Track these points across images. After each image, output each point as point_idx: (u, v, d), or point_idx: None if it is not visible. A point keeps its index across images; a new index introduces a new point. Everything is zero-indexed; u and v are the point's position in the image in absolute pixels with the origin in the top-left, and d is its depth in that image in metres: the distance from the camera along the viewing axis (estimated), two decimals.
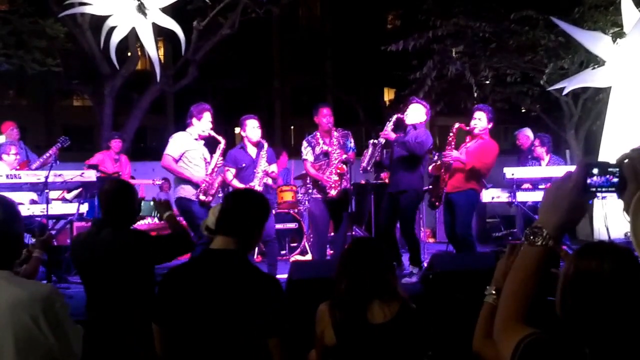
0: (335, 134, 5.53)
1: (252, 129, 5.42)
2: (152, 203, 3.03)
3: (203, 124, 5.18)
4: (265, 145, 5.43)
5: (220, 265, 2.07)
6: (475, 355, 1.57)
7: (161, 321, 2.10)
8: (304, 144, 5.64)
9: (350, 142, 5.57)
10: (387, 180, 6.21)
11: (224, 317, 2.00)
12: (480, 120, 5.43)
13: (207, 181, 5.12)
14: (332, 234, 6.02)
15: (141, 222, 6.35)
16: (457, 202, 5.35)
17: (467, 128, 5.52)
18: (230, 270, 2.06)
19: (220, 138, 5.28)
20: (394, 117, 5.47)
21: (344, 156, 5.50)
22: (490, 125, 5.48)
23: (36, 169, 6.29)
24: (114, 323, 2.76)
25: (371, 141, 5.52)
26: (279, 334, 2.01)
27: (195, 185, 5.12)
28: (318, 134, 5.56)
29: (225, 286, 2.03)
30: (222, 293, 2.02)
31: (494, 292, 1.58)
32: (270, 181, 5.53)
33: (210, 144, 5.42)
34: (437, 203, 5.58)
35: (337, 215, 5.59)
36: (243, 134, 5.54)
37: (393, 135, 5.37)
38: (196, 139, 5.23)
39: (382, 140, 5.42)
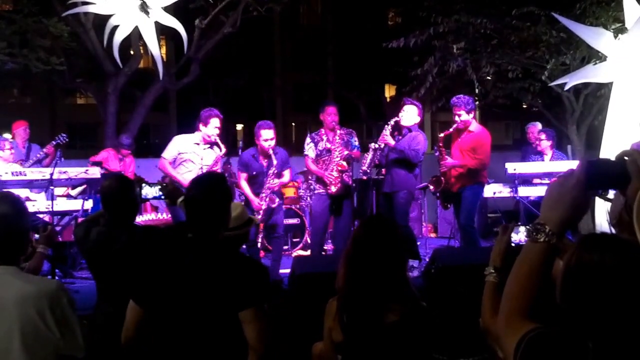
0: (339, 131, 5.63)
1: (264, 141, 5.31)
2: (158, 189, 3.02)
3: (209, 129, 5.22)
4: (275, 161, 5.34)
5: (197, 249, 2.14)
6: (484, 332, 1.66)
7: (143, 301, 2.16)
8: (308, 140, 5.74)
9: (355, 141, 5.69)
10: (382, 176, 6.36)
11: (200, 297, 2.06)
12: (461, 115, 5.58)
13: None
14: (331, 230, 6.11)
15: (144, 217, 6.40)
16: (463, 195, 5.61)
17: (451, 130, 5.71)
18: (207, 254, 2.13)
19: (222, 146, 5.27)
20: (392, 121, 5.65)
21: (345, 152, 5.61)
22: (471, 115, 5.64)
23: (30, 166, 6.35)
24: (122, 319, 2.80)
25: (372, 145, 5.68)
26: (252, 304, 2.05)
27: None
28: (323, 130, 5.68)
29: (201, 269, 2.10)
30: (199, 276, 2.08)
31: (492, 270, 1.71)
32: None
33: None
34: (448, 205, 5.93)
35: (338, 210, 5.68)
36: (257, 142, 5.43)
37: (392, 142, 5.59)
38: (197, 143, 5.25)
39: (382, 145, 5.61)
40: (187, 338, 2.09)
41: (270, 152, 5.32)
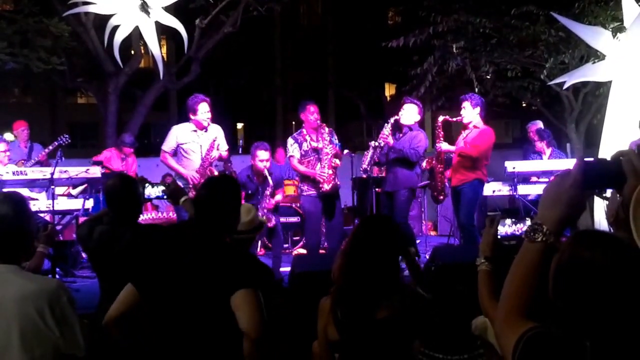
0: (326, 129, 5.65)
1: (260, 161, 5.51)
2: (161, 189, 3.05)
3: (200, 115, 5.26)
4: (271, 182, 5.54)
5: (199, 248, 2.16)
6: (485, 315, 1.73)
7: (141, 286, 2.19)
8: (290, 140, 5.67)
9: (335, 139, 5.72)
10: (383, 174, 6.37)
11: (191, 282, 2.08)
12: (465, 109, 5.64)
13: (195, 178, 5.09)
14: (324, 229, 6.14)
15: (145, 216, 6.43)
16: (462, 192, 5.61)
17: (453, 120, 5.81)
18: (209, 252, 2.14)
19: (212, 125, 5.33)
20: (392, 120, 5.69)
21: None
22: (477, 111, 5.64)
23: (31, 166, 6.38)
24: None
25: (372, 143, 5.71)
26: (242, 286, 2.03)
27: (186, 181, 5.14)
28: (304, 130, 5.64)
29: (200, 262, 2.11)
30: (195, 267, 2.10)
31: (483, 260, 1.79)
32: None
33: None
34: (440, 197, 5.91)
35: (330, 209, 5.66)
36: (252, 162, 5.61)
37: (391, 141, 5.64)
38: (195, 131, 5.29)
39: (382, 143, 5.64)
40: (181, 327, 2.11)
41: (266, 172, 5.48)
